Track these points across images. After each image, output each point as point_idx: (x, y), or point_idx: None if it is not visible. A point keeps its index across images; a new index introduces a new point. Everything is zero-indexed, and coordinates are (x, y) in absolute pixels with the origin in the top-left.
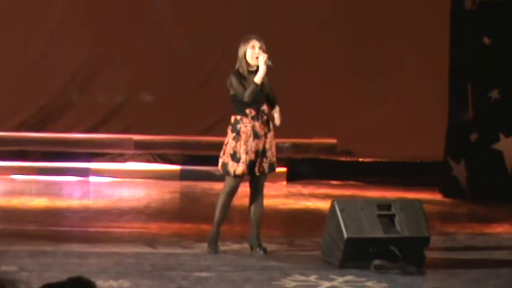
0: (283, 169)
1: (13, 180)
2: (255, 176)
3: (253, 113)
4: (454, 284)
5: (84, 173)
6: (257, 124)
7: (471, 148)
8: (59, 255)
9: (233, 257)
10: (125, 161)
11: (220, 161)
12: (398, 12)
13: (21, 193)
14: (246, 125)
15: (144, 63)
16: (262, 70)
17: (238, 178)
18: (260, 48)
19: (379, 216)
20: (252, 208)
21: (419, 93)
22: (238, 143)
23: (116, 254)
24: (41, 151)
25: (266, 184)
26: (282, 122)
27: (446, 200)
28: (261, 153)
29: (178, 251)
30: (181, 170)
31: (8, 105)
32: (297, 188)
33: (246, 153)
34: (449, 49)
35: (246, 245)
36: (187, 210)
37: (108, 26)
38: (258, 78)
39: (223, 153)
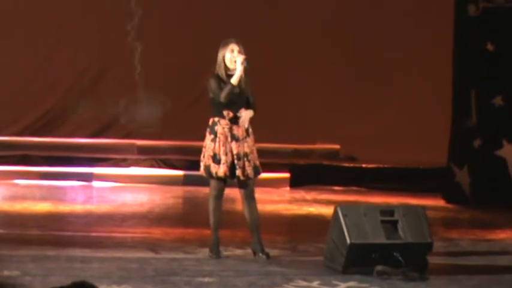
0: (287, 175)
1: (16, 185)
2: (242, 181)
3: (231, 115)
4: None
5: (87, 178)
6: (235, 127)
7: (474, 154)
8: (62, 260)
9: (235, 262)
10: (128, 166)
11: (202, 164)
12: (401, 18)
13: (24, 198)
14: (223, 126)
15: (148, 69)
16: (239, 71)
17: (222, 180)
18: (239, 52)
19: (382, 222)
20: (247, 214)
21: (423, 99)
22: (217, 145)
23: (118, 259)
24: (44, 156)
25: (269, 190)
26: (246, 125)
27: (449, 206)
28: (242, 157)
29: (181, 256)
30: (184, 175)
31: (11, 110)
32: (300, 193)
33: (226, 154)
34: (452, 55)
35: (249, 250)
36: (190, 215)
37: (112, 32)
38: (234, 79)
39: (204, 156)
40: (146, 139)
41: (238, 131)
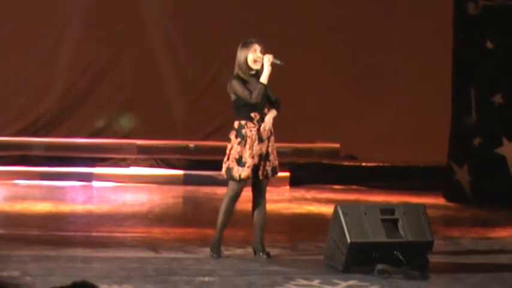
0: (287, 174)
1: (16, 185)
2: (259, 180)
3: (258, 116)
4: None
5: (87, 177)
6: (261, 128)
7: (474, 152)
8: (62, 260)
9: (236, 261)
10: (128, 165)
11: (225, 166)
12: (401, 17)
13: (24, 198)
14: (251, 129)
15: (147, 69)
16: (267, 70)
17: (243, 182)
18: (261, 51)
19: (383, 220)
20: (256, 213)
21: (423, 97)
22: (244, 148)
23: (119, 258)
24: (44, 156)
25: (269, 189)
26: (271, 126)
27: (449, 204)
28: (264, 157)
29: (182, 255)
30: (184, 175)
31: (10, 111)
32: (300, 192)
33: (252, 157)
34: (452, 54)
35: (249, 250)
36: (190, 215)
37: (112, 31)
38: (264, 78)
39: (228, 159)
40: (146, 139)
41: (264, 132)
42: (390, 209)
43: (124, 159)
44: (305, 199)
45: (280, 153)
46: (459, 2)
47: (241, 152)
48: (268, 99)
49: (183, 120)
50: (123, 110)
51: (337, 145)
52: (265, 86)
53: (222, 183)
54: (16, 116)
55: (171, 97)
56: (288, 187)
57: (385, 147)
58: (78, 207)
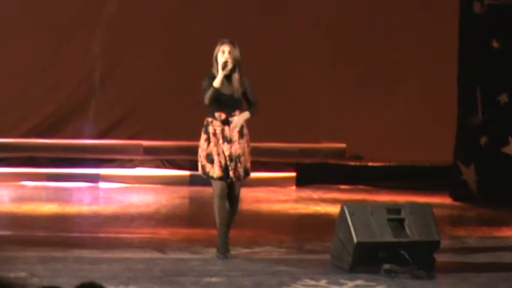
0: (293, 174)
1: (23, 186)
2: (231, 181)
3: (223, 116)
4: (464, 287)
5: (94, 179)
6: (227, 128)
7: (481, 152)
8: (69, 261)
9: (243, 262)
10: (134, 166)
11: (200, 164)
12: (406, 16)
13: (31, 199)
14: (215, 128)
15: (153, 70)
16: (220, 74)
17: (221, 181)
18: (229, 52)
19: (389, 220)
20: (227, 213)
21: (428, 97)
22: (210, 145)
23: (126, 259)
24: (51, 157)
25: (275, 189)
26: (241, 126)
27: (456, 203)
28: (235, 158)
29: (188, 256)
30: (190, 176)
31: (17, 112)
32: (306, 192)
33: (218, 155)
34: (457, 53)
35: (256, 250)
36: (196, 215)
37: (117, 32)
38: (216, 82)
39: (200, 156)
40: (152, 140)
41: (231, 133)
42: (397, 209)
43: (130, 160)
44: (311, 199)
45: (286, 154)
46: (465, 1)
47: (208, 149)
48: (246, 101)
49: (188, 121)
50: (129, 111)
51: (343, 145)
52: (217, 90)
53: None
54: (22, 118)
55: (177, 97)
56: (294, 187)
57: (391, 147)
58: (85, 209)
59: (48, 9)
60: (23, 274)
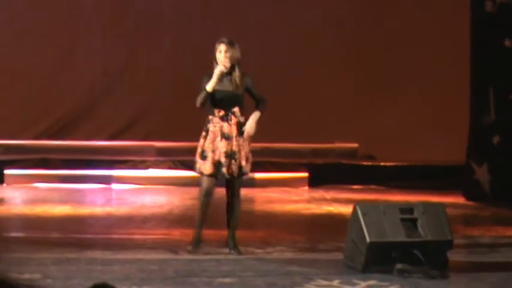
0: (305, 174)
1: (36, 188)
2: (227, 180)
3: (222, 113)
4: (478, 287)
5: (107, 180)
6: (225, 125)
7: (493, 151)
8: (82, 263)
9: (255, 262)
10: (146, 167)
11: (194, 160)
12: (417, 15)
13: (44, 201)
14: (215, 125)
15: (165, 71)
16: (214, 77)
17: (210, 178)
18: (226, 52)
19: (402, 220)
20: (229, 213)
21: (441, 96)
22: (206, 142)
23: (139, 260)
24: (63, 159)
25: (288, 189)
26: (255, 130)
27: (469, 203)
28: (230, 155)
29: (201, 257)
30: None
31: (29, 114)
32: (319, 192)
33: (213, 151)
34: (469, 52)
35: (269, 250)
36: (209, 216)
37: (127, 34)
38: (209, 86)
39: (196, 153)
40: (165, 141)
41: (230, 130)
42: (409, 209)
43: (143, 162)
44: (324, 199)
45: (298, 154)
46: (476, 0)
47: (203, 145)
48: (253, 99)
49: (201, 122)
50: (141, 112)
51: (356, 145)
52: (208, 93)
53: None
54: (35, 120)
55: (189, 98)
56: (307, 187)
57: (403, 147)
58: (98, 210)
59: (59, 11)
60: (36, 275)
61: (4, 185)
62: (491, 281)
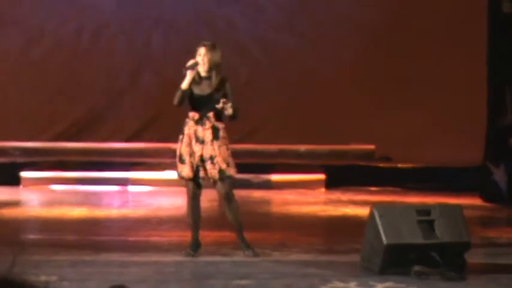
0: (322, 176)
1: (52, 190)
2: (215, 183)
3: (197, 117)
4: None
5: (123, 182)
6: (200, 129)
7: (511, 152)
8: (99, 265)
9: (272, 264)
10: (163, 169)
11: (175, 164)
12: (434, 16)
13: (60, 203)
14: (190, 127)
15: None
16: (188, 77)
17: (191, 181)
18: (204, 55)
19: (419, 222)
20: (228, 216)
21: (457, 97)
22: (183, 145)
23: (155, 262)
24: (80, 161)
25: (304, 191)
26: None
27: (486, 204)
28: (207, 159)
29: (218, 259)
30: None
31: (45, 116)
32: (335, 194)
33: (190, 155)
34: (486, 53)
35: (286, 252)
36: (225, 218)
37: (144, 36)
38: (183, 84)
39: (176, 157)
40: None
41: (204, 134)
42: (426, 210)
43: (159, 164)
44: (341, 201)
45: (315, 156)
46: (493, 0)
47: (181, 149)
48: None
49: None
50: (158, 114)
51: (372, 147)
52: (183, 91)
53: (257, 186)
54: (51, 122)
55: None
56: (323, 189)
57: (420, 148)
58: (114, 212)
59: (77, 13)
60: (53, 278)
61: (21, 187)
62: (509, 282)
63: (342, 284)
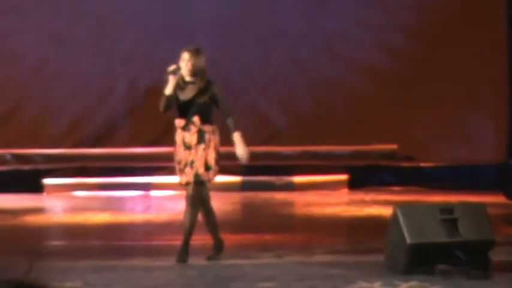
0: (345, 177)
1: (75, 196)
2: (185, 186)
3: (182, 123)
4: None
5: (145, 187)
6: (187, 135)
7: None
8: (123, 270)
9: (296, 266)
10: None
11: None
12: (455, 15)
13: (83, 209)
14: (178, 135)
15: None
16: (170, 82)
17: (189, 186)
18: (188, 60)
19: (442, 220)
20: (183, 217)
21: (479, 95)
22: (175, 152)
23: (179, 266)
24: (102, 167)
25: (327, 192)
26: (247, 154)
27: (510, 202)
28: (188, 164)
29: (241, 261)
30: (241, 181)
31: (67, 123)
32: (358, 195)
33: (179, 163)
34: (507, 51)
35: (309, 253)
36: (248, 220)
37: (164, 41)
38: (167, 90)
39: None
40: None
41: (190, 140)
42: (449, 209)
43: None
44: (364, 201)
45: (337, 156)
46: None
47: (175, 156)
48: (217, 107)
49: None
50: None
51: (395, 146)
52: (167, 96)
53: (280, 188)
54: (73, 128)
55: None
56: (346, 190)
57: (442, 147)
58: (137, 217)
59: (95, 18)
60: (78, 284)
61: (44, 194)
62: None
63: (366, 284)
